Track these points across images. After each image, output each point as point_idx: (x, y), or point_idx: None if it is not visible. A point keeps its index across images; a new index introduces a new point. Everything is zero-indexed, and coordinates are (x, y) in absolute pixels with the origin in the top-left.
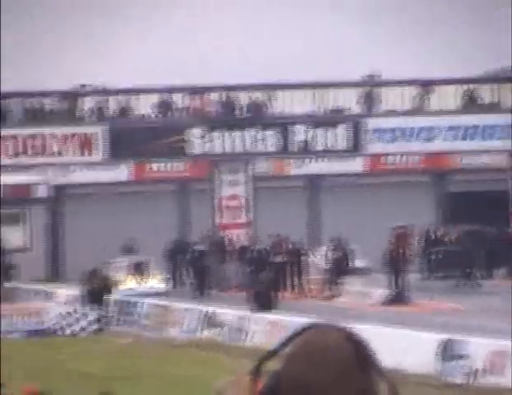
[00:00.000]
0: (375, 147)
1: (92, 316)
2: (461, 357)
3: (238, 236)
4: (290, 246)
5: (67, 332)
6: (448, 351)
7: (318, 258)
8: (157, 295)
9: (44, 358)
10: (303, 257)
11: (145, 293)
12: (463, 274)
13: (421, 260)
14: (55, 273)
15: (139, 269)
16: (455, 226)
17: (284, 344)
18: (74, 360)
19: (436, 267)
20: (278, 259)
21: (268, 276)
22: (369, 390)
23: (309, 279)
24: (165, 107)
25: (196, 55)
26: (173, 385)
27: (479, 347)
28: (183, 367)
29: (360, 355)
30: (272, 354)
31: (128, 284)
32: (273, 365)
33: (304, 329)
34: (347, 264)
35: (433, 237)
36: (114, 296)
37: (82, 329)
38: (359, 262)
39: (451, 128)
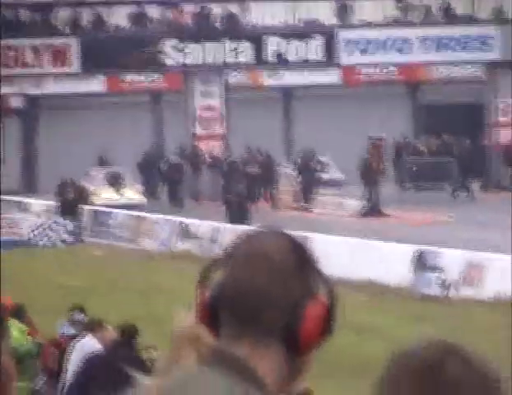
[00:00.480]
0: (350, 59)
1: (68, 227)
2: (436, 269)
3: (212, 147)
4: (263, 157)
5: (43, 242)
6: (422, 263)
7: (291, 169)
8: (135, 206)
9: (20, 269)
10: (275, 169)
11: (122, 204)
12: (438, 185)
13: (395, 171)
14: (30, 185)
15: (115, 180)
16: (430, 137)
17: (227, 252)
18: (49, 271)
19: (411, 179)
20: (251, 170)
21: (241, 187)
22: (309, 295)
23: (281, 190)
24: (139, 18)
25: None
26: (149, 296)
27: (453, 259)
28: (159, 278)
29: (301, 261)
30: (215, 262)
31: (104, 195)
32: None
33: (248, 235)
34: (318, 176)
35: (408, 148)
36: (88, 207)
37: (58, 240)
38: (333, 174)
39: (426, 39)
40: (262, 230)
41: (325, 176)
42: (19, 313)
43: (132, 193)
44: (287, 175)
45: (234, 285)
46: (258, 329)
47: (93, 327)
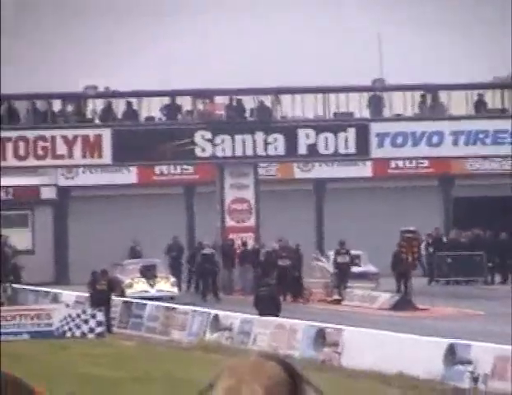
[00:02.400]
0: (383, 152)
1: (100, 317)
2: (466, 362)
3: (244, 240)
4: (293, 250)
5: (75, 333)
6: (453, 356)
7: (326, 262)
8: (170, 299)
9: (52, 360)
10: (312, 262)
11: (157, 296)
12: (469, 279)
13: (427, 265)
14: (61, 275)
15: (149, 272)
16: (463, 231)
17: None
18: (81, 361)
19: (443, 272)
20: (282, 263)
21: (273, 279)
22: None
23: (314, 282)
24: (172, 110)
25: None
26: (182, 388)
27: (484, 352)
28: (190, 370)
29: (294, 384)
30: (210, 386)
31: (137, 287)
32: None
33: (246, 359)
34: (351, 269)
35: (441, 241)
36: (120, 298)
37: (90, 330)
38: (366, 267)
39: (460, 133)
40: (262, 353)
41: (359, 269)
42: None
43: (165, 285)
44: (321, 268)
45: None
46: None
47: None
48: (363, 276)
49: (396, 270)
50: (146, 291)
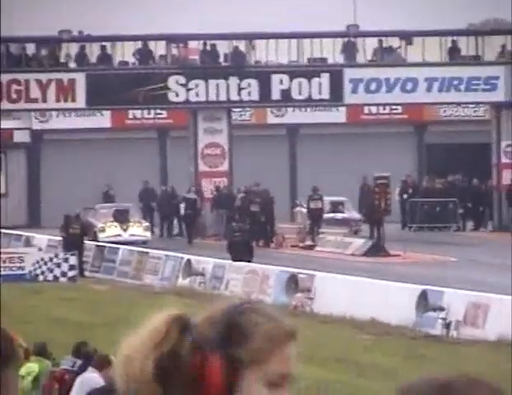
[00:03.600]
0: (356, 98)
1: (72, 261)
2: (438, 309)
3: (218, 185)
4: (266, 194)
5: (48, 277)
6: (425, 303)
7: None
8: (143, 243)
9: (21, 303)
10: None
11: (130, 241)
12: (442, 226)
13: (401, 211)
14: (34, 219)
15: (122, 217)
16: (436, 177)
17: None
18: (53, 306)
19: (415, 218)
20: (254, 208)
21: (244, 225)
22: None
23: (288, 228)
24: (146, 54)
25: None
26: None
27: (456, 299)
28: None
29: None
30: None
31: (110, 231)
32: None
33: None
34: (323, 214)
35: (415, 187)
36: (93, 242)
37: (63, 274)
38: (351, 214)
39: (433, 80)
40: None
41: (342, 215)
42: (42, 351)
43: (138, 229)
44: (303, 214)
45: None
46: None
47: (102, 363)
48: (346, 223)
49: (369, 216)
50: (118, 235)
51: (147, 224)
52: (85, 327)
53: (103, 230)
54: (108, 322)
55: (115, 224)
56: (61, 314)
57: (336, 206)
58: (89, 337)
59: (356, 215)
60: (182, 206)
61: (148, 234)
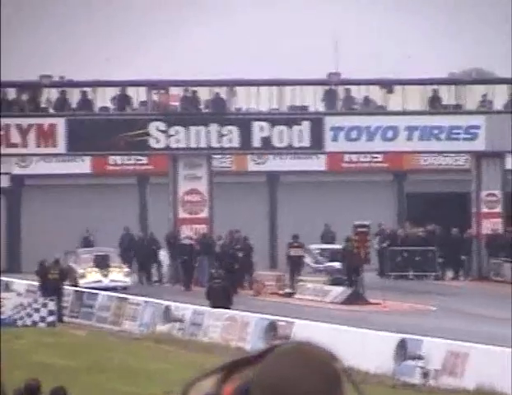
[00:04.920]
0: (337, 146)
1: (51, 306)
2: (417, 357)
3: (200, 231)
4: (245, 242)
5: (27, 322)
6: (404, 351)
7: (307, 256)
8: (123, 289)
9: (2, 348)
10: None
11: (111, 287)
12: (421, 274)
13: (379, 259)
14: (13, 263)
15: (103, 262)
16: (416, 226)
17: (261, 354)
18: (35, 351)
19: (394, 267)
20: (234, 255)
21: (224, 272)
22: None
23: (267, 275)
24: (123, 100)
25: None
26: (133, 378)
27: (434, 348)
28: (142, 360)
29: (339, 369)
30: (247, 360)
31: (92, 277)
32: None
33: (287, 342)
34: (303, 262)
35: (393, 236)
36: (71, 288)
37: (42, 319)
38: (330, 262)
39: (414, 128)
40: (304, 342)
41: (340, 264)
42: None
43: (118, 275)
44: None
45: (277, 376)
46: None
47: None
48: (328, 271)
49: (347, 264)
50: (99, 281)
51: (128, 269)
52: (64, 372)
53: (83, 276)
54: (87, 367)
55: (96, 269)
56: (40, 359)
57: (334, 255)
58: (68, 382)
59: (334, 264)
60: (178, 252)
61: (128, 279)
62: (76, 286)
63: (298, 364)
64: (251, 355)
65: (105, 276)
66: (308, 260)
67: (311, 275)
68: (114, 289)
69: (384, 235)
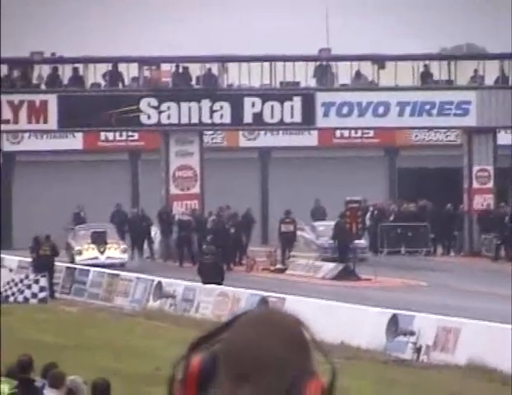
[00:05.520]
0: (328, 121)
1: (43, 283)
2: (408, 333)
3: (192, 207)
4: (239, 218)
5: (18, 298)
6: (395, 327)
7: (311, 233)
8: (120, 266)
9: None
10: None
11: (107, 264)
12: (413, 250)
13: (372, 235)
14: (5, 239)
15: (100, 238)
16: (408, 202)
17: (228, 323)
18: (25, 327)
19: (386, 243)
20: (225, 231)
21: (215, 248)
22: (310, 369)
23: (259, 251)
24: (115, 77)
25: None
26: (125, 354)
27: (426, 323)
28: (133, 337)
29: (306, 336)
30: (213, 333)
31: (88, 254)
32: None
33: (249, 311)
34: (296, 237)
35: (386, 212)
36: (63, 264)
37: (33, 296)
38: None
39: (405, 104)
40: (267, 308)
41: (318, 241)
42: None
43: (115, 252)
44: (306, 240)
45: (241, 344)
46: (256, 391)
47: (57, 381)
48: (351, 251)
49: (339, 240)
50: (95, 258)
51: (125, 246)
52: (55, 348)
53: (80, 253)
54: (78, 343)
55: (93, 246)
56: (31, 336)
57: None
58: (60, 359)
59: (361, 241)
60: (175, 228)
61: (125, 256)
62: (72, 263)
63: (263, 332)
64: (220, 326)
65: (102, 252)
66: (312, 237)
67: (315, 252)
68: (111, 265)
69: (375, 211)
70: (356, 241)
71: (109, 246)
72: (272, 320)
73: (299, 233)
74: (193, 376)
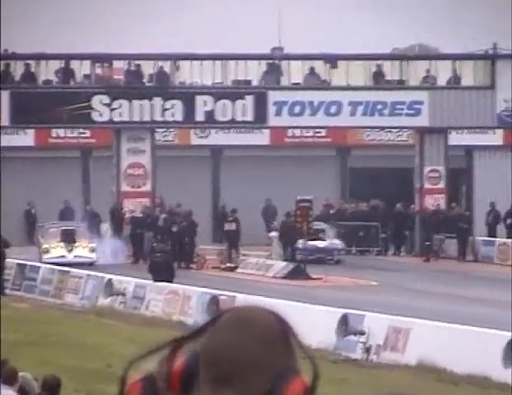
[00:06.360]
0: (280, 120)
1: None
2: (358, 332)
3: (143, 205)
4: (186, 215)
5: None
6: (345, 326)
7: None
8: (89, 265)
9: None
10: (198, 228)
11: (75, 262)
12: (364, 249)
13: (323, 234)
14: None
15: (69, 237)
16: (357, 202)
17: (209, 323)
18: None
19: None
20: (176, 229)
21: (168, 246)
22: (293, 369)
23: (209, 249)
24: (68, 74)
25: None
26: (76, 351)
27: (376, 323)
28: (84, 334)
29: (287, 335)
30: (194, 334)
31: (56, 252)
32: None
33: (231, 309)
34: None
35: (336, 211)
36: (13, 260)
37: None
38: (332, 242)
39: (357, 104)
40: (246, 306)
41: (323, 243)
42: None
43: (83, 250)
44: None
45: (219, 346)
46: (237, 392)
47: (11, 378)
48: (327, 251)
49: (285, 238)
50: (62, 257)
51: (93, 245)
52: (6, 345)
53: (47, 251)
54: (29, 340)
55: (61, 244)
56: None
57: (317, 234)
58: (10, 355)
59: (337, 242)
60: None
61: (94, 255)
62: (40, 262)
63: (239, 332)
64: (196, 329)
65: (70, 251)
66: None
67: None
68: (79, 264)
69: (326, 211)
70: (334, 241)
71: (77, 245)
72: (248, 319)
73: (271, 234)
74: (176, 378)
